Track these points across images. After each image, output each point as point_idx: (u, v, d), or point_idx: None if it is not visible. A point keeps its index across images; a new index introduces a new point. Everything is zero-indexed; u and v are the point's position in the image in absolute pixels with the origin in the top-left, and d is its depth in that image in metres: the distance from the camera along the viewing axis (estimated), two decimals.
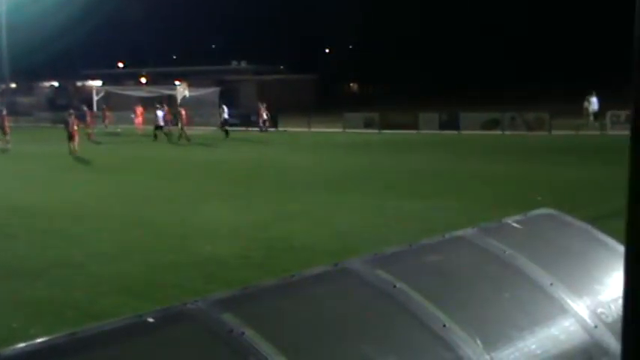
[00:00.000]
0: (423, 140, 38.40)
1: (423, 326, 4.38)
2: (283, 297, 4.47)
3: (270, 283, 4.72)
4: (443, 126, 43.47)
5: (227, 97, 55.39)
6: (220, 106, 46.03)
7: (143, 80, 78.97)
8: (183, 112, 43.82)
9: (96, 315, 9.14)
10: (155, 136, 41.89)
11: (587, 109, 39.92)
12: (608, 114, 39.32)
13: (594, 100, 39.52)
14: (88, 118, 43.84)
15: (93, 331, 3.74)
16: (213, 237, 14.75)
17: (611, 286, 5.25)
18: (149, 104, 48.41)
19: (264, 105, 49.11)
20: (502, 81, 76.60)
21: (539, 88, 67.66)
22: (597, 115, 39.60)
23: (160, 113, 43.46)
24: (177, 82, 55.67)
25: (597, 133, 37.62)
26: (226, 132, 43.15)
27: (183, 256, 13.19)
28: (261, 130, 47.61)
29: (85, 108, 46.91)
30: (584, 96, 40.69)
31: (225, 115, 44.93)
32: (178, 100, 48.96)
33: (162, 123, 42.99)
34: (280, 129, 48.88)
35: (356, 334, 4.30)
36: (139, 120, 50.79)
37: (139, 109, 51.50)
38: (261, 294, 4.50)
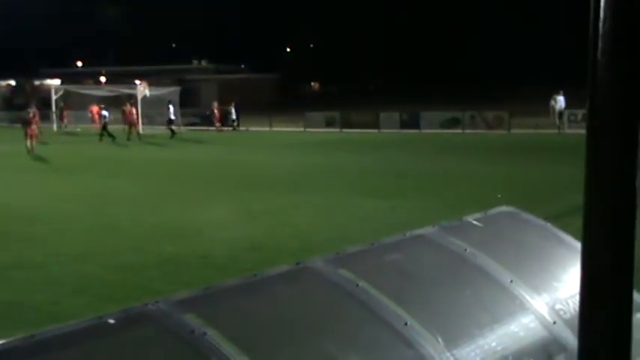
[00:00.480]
0: (384, 139, 38.57)
1: (385, 324, 4.40)
2: (245, 297, 4.46)
3: (232, 283, 4.70)
4: (404, 125, 43.71)
5: (188, 96, 55.00)
6: (167, 106, 45.52)
7: (103, 79, 78.09)
8: (133, 111, 43.48)
9: (56, 317, 9.02)
10: (111, 135, 41.19)
11: (553, 107, 40.22)
12: (566, 113, 39.84)
13: (561, 98, 39.69)
14: (36, 118, 42.09)
15: (52, 333, 3.69)
16: (175, 237, 14.66)
17: (569, 283, 5.32)
18: (108, 104, 47.80)
19: (232, 104, 49.11)
20: (463, 80, 77.32)
21: (502, 87, 68.41)
22: (563, 113, 39.84)
23: (105, 113, 42.85)
24: (137, 82, 55.08)
25: (555, 131, 38.11)
26: (172, 132, 42.80)
27: (145, 256, 13.09)
28: (217, 130, 47.36)
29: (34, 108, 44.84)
30: (544, 95, 41.11)
31: (172, 116, 44.40)
32: (139, 100, 48.48)
33: (106, 122, 42.32)
34: (242, 128, 48.77)
35: (318, 333, 4.31)
36: (94, 119, 50.23)
37: (95, 109, 50.92)
38: (223, 294, 4.48)
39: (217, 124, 47.89)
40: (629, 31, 2.42)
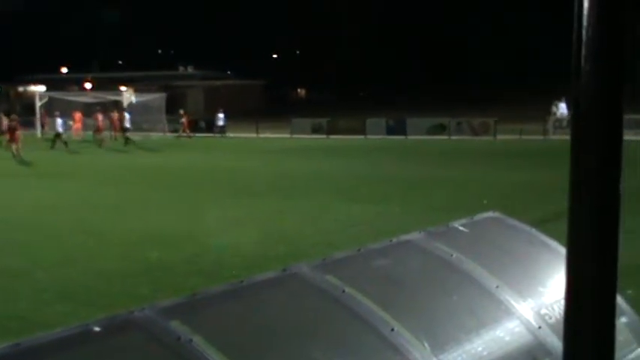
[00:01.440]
0: (371, 145, 38.62)
1: (372, 330, 4.40)
2: (232, 303, 4.46)
3: (218, 290, 4.69)
4: (390, 131, 43.80)
5: (174, 102, 55.00)
6: (122, 112, 45.32)
7: (88, 85, 77.78)
8: (99, 117, 43.44)
9: (41, 324, 8.97)
10: (53, 142, 40.69)
11: (555, 114, 40.26)
12: (551, 119, 40.05)
13: (562, 105, 39.60)
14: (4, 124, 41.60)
15: (37, 342, 3.67)
16: (160, 244, 14.60)
17: (554, 288, 5.35)
18: (95, 110, 47.74)
19: (220, 110, 49.22)
20: (450, 87, 77.57)
21: (488, 93, 68.63)
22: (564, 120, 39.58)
23: (59, 121, 42.49)
24: (122, 88, 54.97)
25: (541, 137, 38.27)
26: (127, 139, 42.29)
27: (130, 263, 13.04)
28: (186, 136, 47.43)
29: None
30: (530, 101, 41.23)
31: (127, 124, 44.06)
32: (125, 106, 48.40)
33: (61, 130, 41.88)
34: (228, 135, 48.74)
35: (305, 339, 4.31)
36: (77, 126, 50.07)
37: (78, 115, 50.79)
38: (209, 300, 4.47)
39: (186, 131, 48.03)
40: (613, 38, 2.44)
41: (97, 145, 41.45)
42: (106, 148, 40.27)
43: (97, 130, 42.90)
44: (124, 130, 43.49)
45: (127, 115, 44.26)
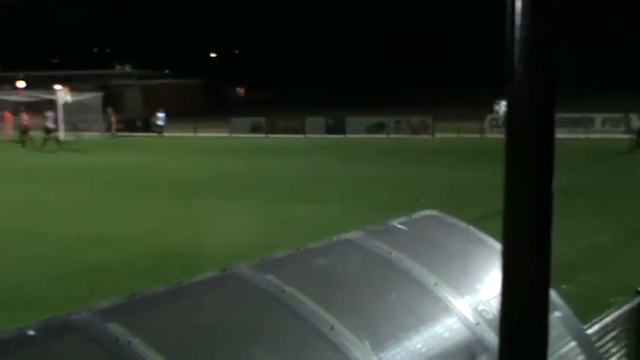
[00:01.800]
0: (310, 145, 38.68)
1: (312, 329, 4.41)
2: (171, 304, 4.41)
3: (157, 291, 4.64)
4: (329, 130, 43.99)
5: (112, 102, 54.26)
6: (47, 113, 44.54)
7: (22, 84, 75.99)
8: (25, 117, 42.61)
9: None
10: None
11: (497, 112, 40.88)
12: (487, 118, 40.75)
13: (504, 103, 40.11)
14: None
15: None
16: (99, 245, 14.40)
17: (491, 284, 5.43)
18: (20, 110, 46.86)
19: (161, 109, 48.74)
20: (389, 86, 78.18)
21: (427, 92, 69.37)
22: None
23: None
24: (57, 87, 53.86)
25: (478, 136, 38.86)
26: (48, 140, 40.82)
27: (68, 265, 12.83)
28: (111, 136, 47.00)
29: None
30: (469, 100, 41.85)
31: (49, 123, 42.54)
32: (59, 105, 47.43)
33: None
34: (165, 134, 48.25)
35: (245, 339, 4.29)
36: (8, 125, 49.02)
37: (7, 115, 49.71)
38: (147, 301, 4.42)
39: (112, 131, 47.67)
40: (545, 38, 2.49)
41: (21, 145, 40.51)
42: (38, 149, 39.32)
43: (24, 130, 41.96)
44: (47, 130, 42.13)
45: (51, 115, 43.25)
